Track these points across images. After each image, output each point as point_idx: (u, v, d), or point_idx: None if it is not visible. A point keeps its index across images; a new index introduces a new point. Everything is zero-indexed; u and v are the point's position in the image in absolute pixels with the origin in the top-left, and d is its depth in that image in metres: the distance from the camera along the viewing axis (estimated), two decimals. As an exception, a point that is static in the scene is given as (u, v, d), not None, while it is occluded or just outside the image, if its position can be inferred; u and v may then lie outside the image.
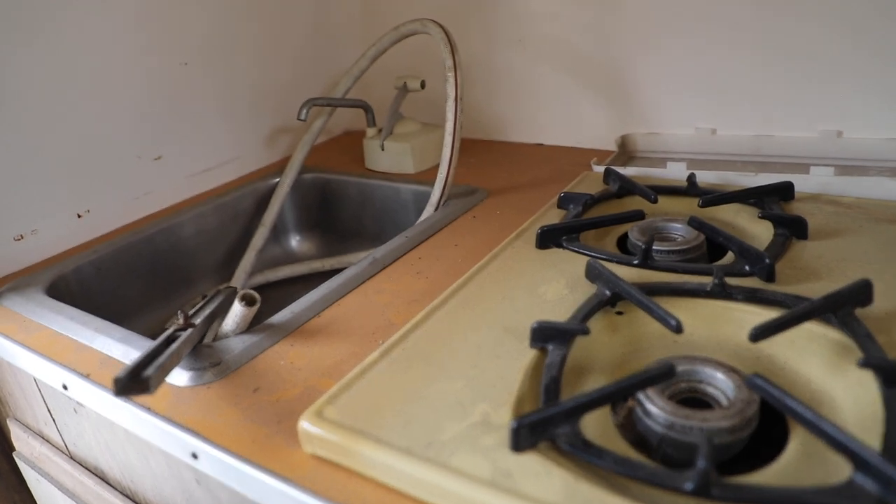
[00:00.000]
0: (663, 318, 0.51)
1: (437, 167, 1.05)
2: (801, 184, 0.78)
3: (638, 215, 0.71)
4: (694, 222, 0.68)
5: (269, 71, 1.11)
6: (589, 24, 1.01)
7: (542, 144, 1.13)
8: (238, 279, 0.98)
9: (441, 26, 0.90)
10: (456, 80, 0.85)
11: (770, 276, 0.59)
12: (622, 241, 0.74)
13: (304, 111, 0.96)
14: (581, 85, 1.05)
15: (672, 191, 0.81)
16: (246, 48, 1.07)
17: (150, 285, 0.92)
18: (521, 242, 0.71)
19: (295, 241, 1.13)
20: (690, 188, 0.81)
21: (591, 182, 0.88)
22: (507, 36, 1.09)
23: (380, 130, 1.08)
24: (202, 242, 0.99)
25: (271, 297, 1.01)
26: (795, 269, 0.61)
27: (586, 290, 0.60)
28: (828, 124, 0.91)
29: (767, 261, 0.59)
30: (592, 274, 0.60)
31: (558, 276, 0.63)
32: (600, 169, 0.91)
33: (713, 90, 0.96)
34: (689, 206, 0.79)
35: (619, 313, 0.58)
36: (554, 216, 0.78)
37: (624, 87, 1.02)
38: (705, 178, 0.83)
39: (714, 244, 0.67)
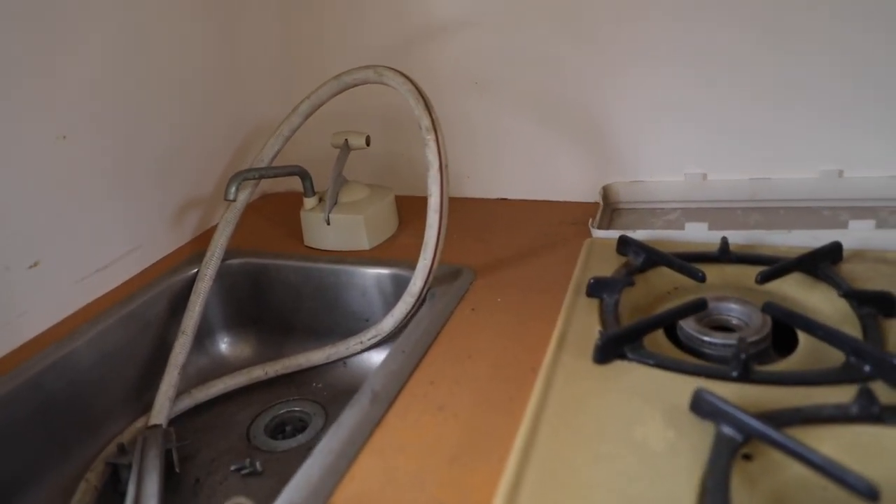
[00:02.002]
0: (846, 480, 0.38)
1: (393, 240, 0.89)
2: (840, 239, 0.69)
3: (701, 305, 0.58)
4: (770, 309, 0.56)
5: (171, 136, 0.89)
6: (557, 62, 0.88)
7: (505, 199, 0.99)
8: (160, 410, 0.75)
9: (405, 76, 0.73)
10: (438, 144, 0.69)
11: (904, 382, 0.48)
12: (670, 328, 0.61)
13: (234, 189, 0.76)
14: (551, 130, 0.92)
15: (702, 258, 0.70)
16: (140, 111, 0.84)
17: (42, 445, 0.68)
18: (568, 356, 0.56)
19: (224, 345, 0.90)
20: (722, 254, 0.70)
21: (600, 252, 0.74)
22: (460, 77, 0.94)
23: (321, 199, 0.89)
24: (106, 369, 0.75)
25: (207, 423, 0.79)
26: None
27: (694, 426, 0.46)
28: (827, 164, 0.84)
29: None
30: (704, 410, 0.46)
31: (648, 407, 0.49)
32: (602, 234, 0.78)
33: (702, 132, 0.86)
34: (732, 276, 0.68)
35: (747, 456, 0.44)
36: (585, 307, 0.63)
37: (601, 131, 0.90)
38: (732, 238, 0.72)
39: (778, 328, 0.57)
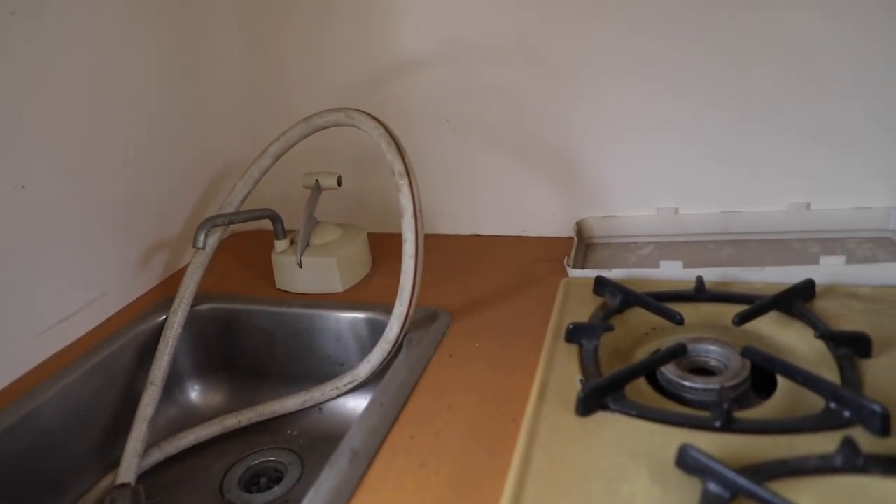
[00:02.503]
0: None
1: (367, 281, 0.88)
2: (811, 275, 0.70)
3: (680, 351, 0.58)
4: (748, 352, 0.56)
5: (136, 178, 0.87)
6: (527, 100, 0.89)
7: (479, 235, 0.98)
8: (128, 468, 0.72)
9: (376, 119, 0.73)
10: (412, 189, 0.68)
11: (885, 429, 0.48)
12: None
13: (202, 236, 0.74)
14: (523, 166, 0.92)
15: (678, 297, 0.70)
16: (103, 154, 0.82)
17: (3, 512, 0.64)
18: (549, 408, 0.55)
19: (195, 393, 0.88)
20: (698, 293, 0.70)
21: (577, 293, 0.74)
22: (431, 115, 0.93)
23: (292, 242, 0.87)
24: (71, 426, 0.72)
25: (177, 476, 0.76)
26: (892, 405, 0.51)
27: (681, 482, 0.45)
28: (796, 197, 0.85)
29: (877, 408, 0.48)
30: (690, 466, 0.45)
31: (633, 462, 0.48)
32: (578, 273, 0.78)
33: (673, 167, 0.87)
34: (709, 315, 0.68)
35: (734, 512, 0.43)
36: (565, 354, 0.62)
37: (573, 166, 0.90)
38: (706, 275, 0.72)
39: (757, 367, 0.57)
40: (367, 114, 0.73)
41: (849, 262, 0.74)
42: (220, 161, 1.02)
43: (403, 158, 0.68)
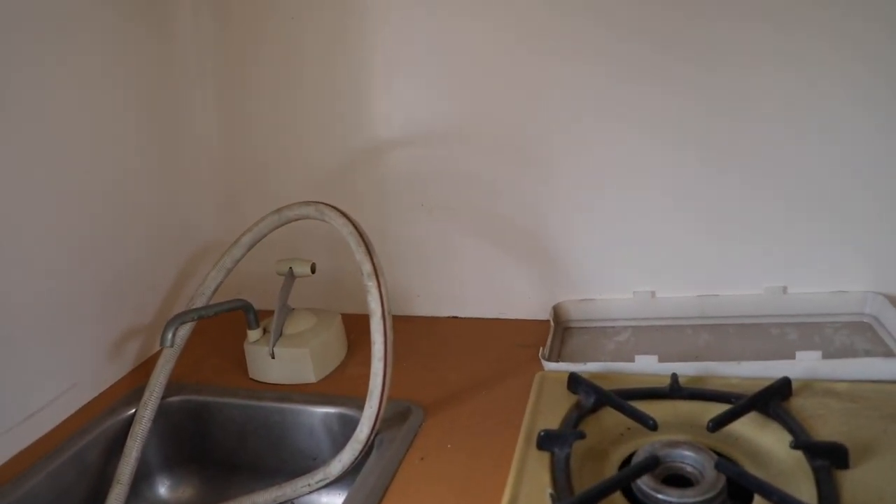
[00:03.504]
0: None
1: (342, 369, 0.86)
2: (788, 370, 0.69)
3: (653, 463, 0.57)
4: (722, 467, 0.55)
5: (109, 264, 0.86)
6: (504, 184, 0.89)
7: (456, 317, 0.97)
8: (90, 576, 0.70)
9: (346, 216, 0.72)
10: (380, 291, 0.67)
11: (859, 558, 0.47)
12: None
13: (170, 335, 0.73)
14: (500, 249, 0.92)
15: (653, 394, 0.69)
16: (74, 241, 0.81)
17: None
18: (519, 526, 0.53)
19: (164, 489, 0.85)
20: (673, 391, 0.69)
21: (551, 389, 0.73)
22: (407, 197, 0.93)
23: (265, 331, 0.86)
24: (33, 532, 0.70)
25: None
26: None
27: None
28: (773, 281, 0.85)
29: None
30: None
31: None
32: (553, 366, 0.77)
33: (650, 251, 0.87)
34: (685, 414, 0.67)
35: None
36: (536, 461, 0.61)
37: (551, 250, 0.90)
38: (682, 370, 0.72)
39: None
40: (337, 210, 0.73)
41: (826, 353, 0.73)
42: (197, 241, 1.01)
43: (372, 258, 0.68)
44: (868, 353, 0.76)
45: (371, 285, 0.67)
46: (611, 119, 0.83)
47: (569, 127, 0.85)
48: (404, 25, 0.87)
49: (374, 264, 0.68)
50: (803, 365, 0.70)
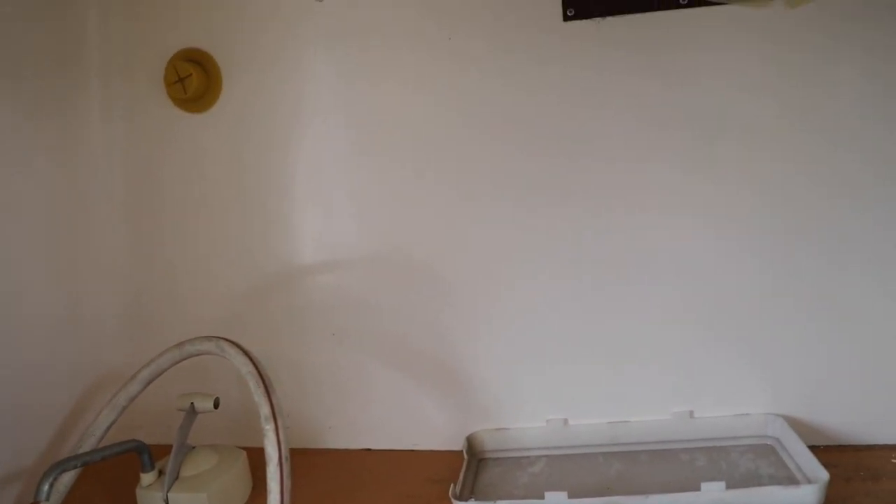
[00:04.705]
0: None
1: (246, 516, 0.81)
2: (694, 501, 0.69)
3: None
4: None
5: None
6: (415, 313, 0.89)
7: (370, 450, 0.94)
8: None
9: (246, 353, 0.71)
10: (278, 435, 0.64)
11: None
12: None
13: (46, 487, 0.67)
14: (415, 379, 0.91)
15: (563, 537, 0.67)
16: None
17: None
18: None
19: None
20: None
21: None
22: (318, 326, 0.92)
23: (161, 473, 0.81)
24: None
25: None
26: None
27: None
28: (680, 405, 0.87)
29: None
30: None
31: None
32: (465, 505, 0.75)
33: (562, 378, 0.88)
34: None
35: None
36: None
37: (464, 379, 0.90)
38: (591, 505, 0.71)
39: None
40: (238, 347, 0.71)
41: (730, 483, 0.74)
42: (96, 370, 0.96)
43: (271, 400, 0.66)
44: (771, 478, 0.77)
45: (269, 429, 0.64)
46: (519, 249, 0.86)
47: (479, 256, 0.87)
48: (316, 154, 0.89)
49: (272, 406, 0.65)
50: (708, 497, 0.70)
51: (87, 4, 0.92)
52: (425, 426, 0.91)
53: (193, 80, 0.86)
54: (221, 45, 0.89)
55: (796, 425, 0.82)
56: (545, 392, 0.88)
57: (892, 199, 0.79)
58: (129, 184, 0.95)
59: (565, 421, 0.88)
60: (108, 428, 0.79)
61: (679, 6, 0.79)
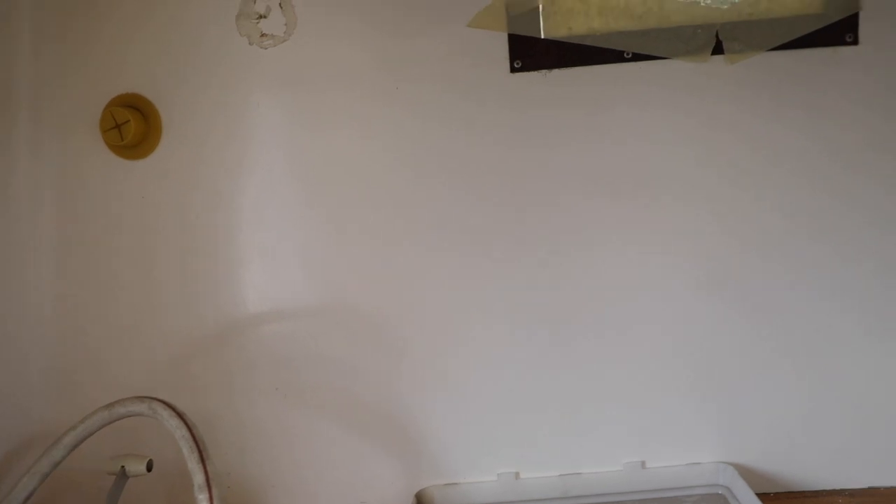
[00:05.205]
0: None
1: None
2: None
3: None
4: None
5: None
6: (363, 367, 0.87)
7: (316, 510, 0.90)
8: None
9: (180, 415, 0.67)
10: (212, 504, 0.61)
11: None
12: None
13: (-43, 569, 0.61)
14: (362, 434, 0.88)
15: None
16: None
17: None
18: None
19: None
20: None
21: None
22: (261, 383, 0.88)
23: (87, 544, 0.75)
24: None
25: None
26: None
27: None
28: (631, 456, 0.86)
29: None
30: None
31: None
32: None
33: (512, 431, 0.87)
34: None
35: None
36: None
37: (413, 433, 0.87)
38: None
39: None
40: (172, 409, 0.67)
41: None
42: (21, 430, 0.89)
43: (205, 467, 0.62)
44: (723, 530, 0.76)
45: (202, 498, 0.61)
46: (470, 300, 0.85)
47: (429, 308, 0.85)
48: (261, 202, 0.86)
49: (206, 474, 0.62)
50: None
51: (20, 28, 0.86)
52: (373, 482, 0.88)
53: (131, 126, 0.82)
54: (162, 91, 0.86)
55: (747, 473, 0.83)
56: (496, 445, 0.87)
57: (825, 258, 0.82)
58: (59, 231, 0.90)
59: (517, 474, 0.87)
60: (29, 497, 0.73)
61: (624, 60, 0.80)
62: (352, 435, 0.88)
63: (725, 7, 0.77)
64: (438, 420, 0.87)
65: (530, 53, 0.80)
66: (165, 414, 0.67)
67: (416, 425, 0.87)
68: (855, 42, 0.78)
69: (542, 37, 0.79)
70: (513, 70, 0.81)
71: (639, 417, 0.85)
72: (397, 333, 0.86)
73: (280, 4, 0.83)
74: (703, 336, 0.84)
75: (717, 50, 0.78)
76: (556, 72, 0.81)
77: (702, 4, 0.78)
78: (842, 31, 0.78)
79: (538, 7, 0.79)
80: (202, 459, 0.62)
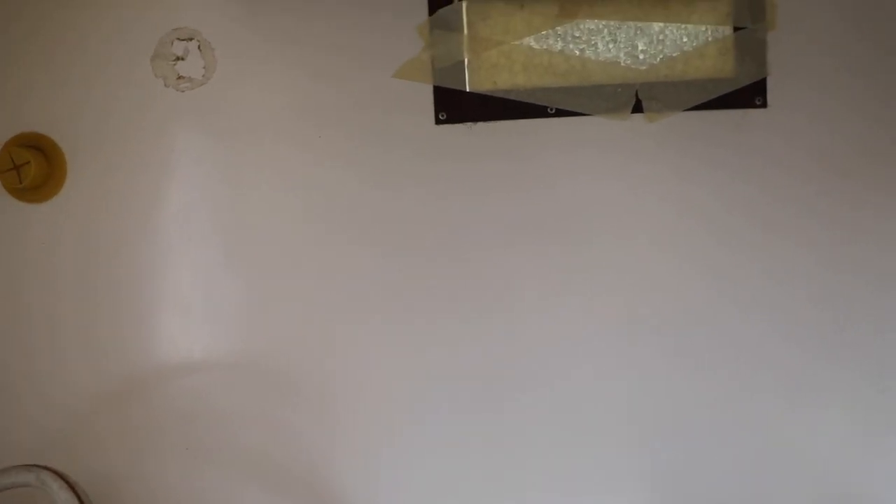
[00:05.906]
0: None
1: None
2: None
3: None
4: None
5: None
6: (278, 426, 0.83)
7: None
8: None
9: (72, 487, 0.62)
10: (104, 590, 0.55)
11: None
12: None
13: None
14: (276, 497, 0.84)
15: None
16: None
17: None
18: None
19: None
20: None
21: None
22: (169, 442, 0.83)
23: None
24: None
25: None
26: None
27: None
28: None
29: None
30: None
31: None
32: None
33: (439, 490, 0.84)
34: None
35: None
36: None
37: (333, 494, 0.84)
38: None
39: None
40: (63, 479, 0.62)
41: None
42: None
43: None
44: None
45: (93, 583, 0.55)
46: (390, 358, 0.83)
47: (347, 365, 0.83)
48: (172, 250, 0.83)
49: (98, 554, 0.56)
50: None
51: None
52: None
53: (31, 168, 0.77)
54: (67, 130, 0.81)
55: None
56: (421, 504, 0.84)
57: (728, 310, 0.83)
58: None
59: (440, 539, 0.84)
60: None
61: (548, 115, 0.81)
62: (266, 499, 0.83)
63: (643, 68, 0.80)
64: (359, 478, 0.83)
65: (455, 106, 0.80)
66: (55, 486, 0.62)
67: (332, 490, 0.83)
68: (764, 105, 0.81)
69: (468, 90, 0.80)
70: (437, 122, 0.81)
71: (570, 487, 0.84)
72: (314, 390, 0.83)
73: (199, 47, 0.80)
74: (632, 386, 0.84)
75: (638, 108, 0.80)
76: (481, 124, 0.81)
77: (622, 64, 0.80)
78: (752, 95, 0.81)
79: (464, 61, 0.80)
80: (93, 536, 0.57)
